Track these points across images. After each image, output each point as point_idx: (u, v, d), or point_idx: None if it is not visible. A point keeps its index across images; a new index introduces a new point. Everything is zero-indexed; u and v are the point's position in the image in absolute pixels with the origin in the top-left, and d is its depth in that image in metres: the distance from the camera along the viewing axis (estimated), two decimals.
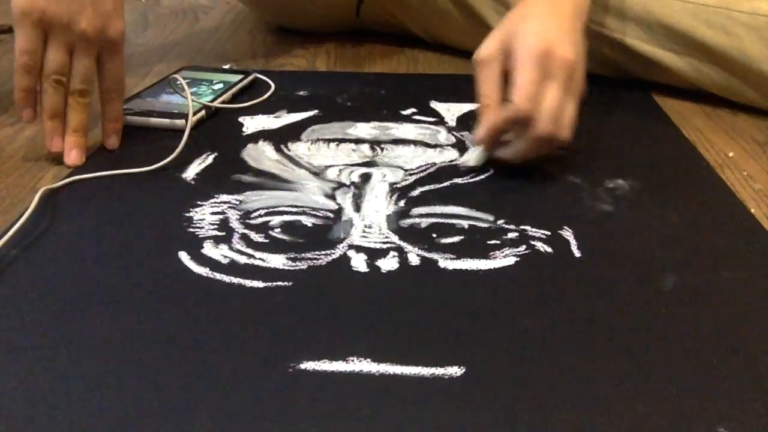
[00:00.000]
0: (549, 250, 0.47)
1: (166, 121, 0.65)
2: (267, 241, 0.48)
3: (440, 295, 0.43)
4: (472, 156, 0.58)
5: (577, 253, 0.47)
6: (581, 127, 0.66)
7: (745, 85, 0.70)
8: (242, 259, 0.46)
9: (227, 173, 0.57)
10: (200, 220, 0.50)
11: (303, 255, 0.46)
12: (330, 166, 0.58)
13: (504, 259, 0.46)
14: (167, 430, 0.33)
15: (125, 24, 0.60)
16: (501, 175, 0.58)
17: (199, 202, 0.53)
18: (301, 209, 0.52)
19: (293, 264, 0.45)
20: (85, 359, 0.37)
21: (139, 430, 0.33)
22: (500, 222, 0.50)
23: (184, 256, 0.46)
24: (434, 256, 0.46)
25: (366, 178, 0.56)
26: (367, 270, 0.45)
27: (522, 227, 0.50)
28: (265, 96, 0.73)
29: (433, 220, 0.50)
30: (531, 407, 0.34)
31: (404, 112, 0.70)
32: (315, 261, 0.46)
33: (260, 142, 0.63)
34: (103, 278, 0.44)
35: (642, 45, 0.73)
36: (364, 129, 0.66)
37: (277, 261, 0.46)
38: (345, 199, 0.53)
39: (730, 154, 0.62)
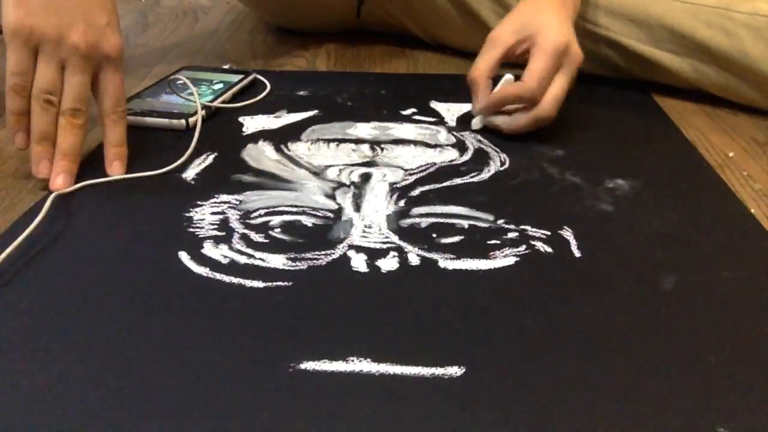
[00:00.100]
0: (549, 250, 0.47)
1: (165, 121, 0.65)
2: (267, 241, 0.48)
3: (440, 295, 0.43)
4: (474, 121, 0.66)
5: (577, 253, 0.47)
6: (581, 127, 0.66)
7: (745, 86, 0.70)
8: (242, 259, 0.46)
9: (227, 173, 0.57)
10: (200, 220, 0.50)
11: (303, 255, 0.46)
12: (330, 166, 0.58)
13: (504, 259, 0.46)
14: (167, 430, 0.33)
15: (122, 38, 0.57)
16: (501, 175, 0.58)
17: (199, 202, 0.53)
18: (301, 209, 0.52)
19: (293, 264, 0.45)
20: (85, 359, 0.37)
21: (139, 430, 0.33)
22: (500, 222, 0.50)
23: (184, 256, 0.46)
24: (434, 256, 0.46)
25: (366, 178, 0.56)
26: (367, 270, 0.45)
27: (522, 227, 0.50)
28: (261, 96, 0.73)
29: (433, 220, 0.50)
30: (531, 407, 0.34)
31: (404, 112, 0.70)
32: (315, 261, 0.46)
33: (260, 142, 0.63)
34: (103, 278, 0.44)
35: (642, 46, 0.73)
36: (364, 129, 0.66)
37: (277, 261, 0.46)
38: (345, 199, 0.53)
39: (730, 154, 0.62)
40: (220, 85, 0.73)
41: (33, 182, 0.56)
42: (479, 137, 0.64)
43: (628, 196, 0.55)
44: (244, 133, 0.65)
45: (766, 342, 0.39)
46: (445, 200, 0.53)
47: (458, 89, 0.77)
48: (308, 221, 0.50)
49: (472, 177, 0.57)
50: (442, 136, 0.65)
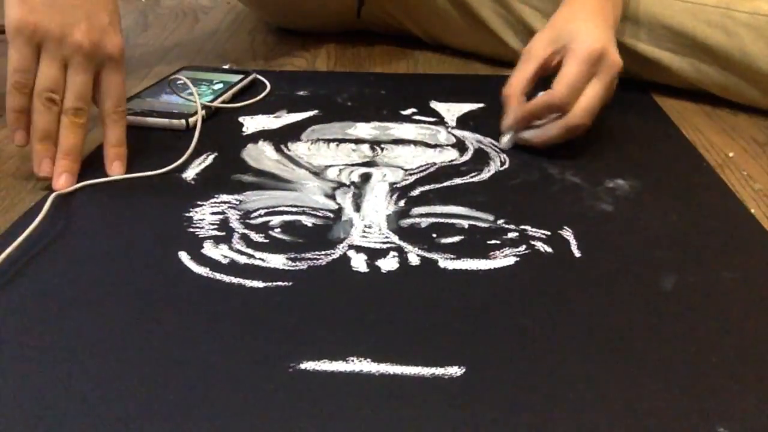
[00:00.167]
0: (549, 250, 0.47)
1: (165, 121, 0.65)
2: (267, 241, 0.48)
3: (440, 295, 0.43)
4: (504, 140, 0.62)
5: (577, 253, 0.47)
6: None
7: (746, 85, 0.70)
8: (242, 259, 0.46)
9: (227, 173, 0.57)
10: (200, 220, 0.50)
11: (303, 255, 0.46)
12: (330, 166, 0.58)
13: (504, 259, 0.46)
14: (167, 430, 0.33)
15: (124, 38, 0.57)
16: (501, 175, 0.58)
17: (199, 202, 0.53)
18: (301, 209, 0.52)
19: (293, 264, 0.45)
20: (85, 359, 0.37)
21: (139, 430, 0.33)
22: (500, 222, 0.50)
23: (184, 256, 0.46)
24: (434, 256, 0.46)
25: (366, 178, 0.56)
26: (367, 270, 0.45)
27: (522, 227, 0.50)
28: (261, 96, 0.73)
29: (433, 220, 0.50)
30: (531, 407, 0.34)
31: (404, 112, 0.70)
32: (315, 261, 0.46)
33: (260, 142, 0.63)
34: (103, 278, 0.44)
35: (642, 45, 0.73)
36: (364, 129, 0.66)
37: (277, 261, 0.46)
38: (345, 199, 0.53)
39: (730, 154, 0.62)
40: (220, 85, 0.73)
41: (33, 182, 0.56)
42: (479, 137, 0.64)
43: (628, 196, 0.55)
44: (244, 133, 0.65)
45: (766, 342, 0.39)
46: (445, 200, 0.53)
47: (458, 89, 0.77)
48: (308, 221, 0.50)
49: (472, 177, 0.57)
50: (442, 136, 0.65)
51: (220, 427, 0.33)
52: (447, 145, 0.63)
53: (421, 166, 0.59)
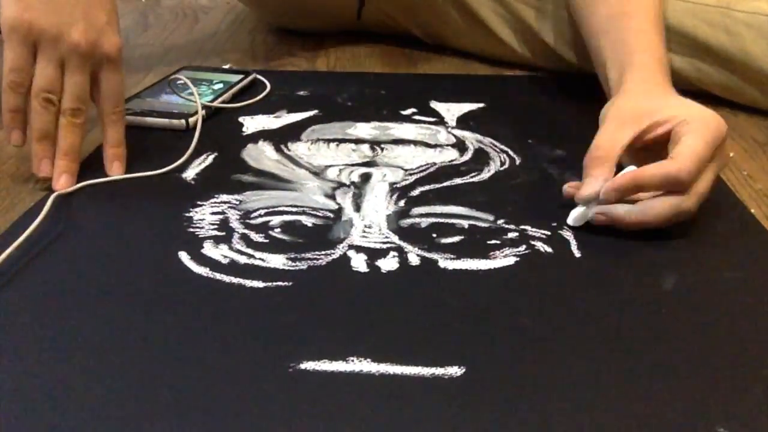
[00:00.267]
0: (549, 250, 0.47)
1: (165, 121, 0.65)
2: (267, 241, 0.48)
3: (440, 295, 0.43)
4: (577, 214, 0.50)
5: (577, 253, 0.47)
6: (581, 127, 0.66)
7: (746, 85, 0.70)
8: (242, 259, 0.46)
9: (227, 173, 0.57)
10: (200, 220, 0.50)
11: (303, 255, 0.46)
12: (330, 166, 0.58)
13: (504, 259, 0.46)
14: (167, 430, 0.33)
15: (121, 38, 0.56)
16: (501, 175, 0.58)
17: (199, 202, 0.53)
18: (301, 209, 0.52)
19: (293, 264, 0.45)
20: (86, 359, 0.37)
21: (139, 430, 0.33)
22: (500, 222, 0.50)
23: (184, 256, 0.46)
24: (434, 256, 0.46)
25: (366, 178, 0.56)
26: (367, 270, 0.45)
27: (522, 227, 0.50)
28: (261, 96, 0.73)
29: (433, 220, 0.50)
30: (531, 407, 0.34)
31: (404, 112, 0.70)
32: (315, 261, 0.46)
33: (260, 142, 0.63)
34: (104, 278, 0.44)
35: None
36: (364, 129, 0.66)
37: (277, 261, 0.46)
38: (345, 199, 0.53)
39: (731, 154, 0.62)
40: (220, 85, 0.73)
41: (33, 182, 0.56)
42: (479, 137, 0.64)
43: None
44: (244, 133, 0.65)
45: (766, 342, 0.39)
46: (445, 200, 0.53)
47: (458, 89, 0.77)
48: (308, 221, 0.50)
49: (472, 177, 0.57)
50: (442, 136, 0.65)
51: (220, 427, 0.33)
52: (447, 145, 0.63)
53: (421, 166, 0.59)
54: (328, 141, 0.63)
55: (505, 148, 0.62)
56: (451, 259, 0.46)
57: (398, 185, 0.55)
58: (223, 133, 0.65)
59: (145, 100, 0.69)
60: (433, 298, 0.42)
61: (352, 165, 0.59)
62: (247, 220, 0.50)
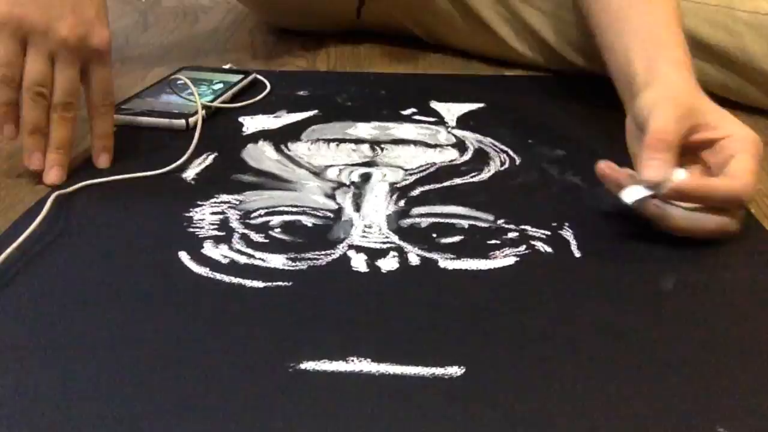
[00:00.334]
0: (549, 250, 0.47)
1: (165, 121, 0.65)
2: (267, 241, 0.48)
3: (440, 295, 0.43)
4: (639, 193, 0.47)
5: (577, 253, 0.47)
6: (581, 127, 0.66)
7: (747, 84, 0.70)
8: (242, 259, 0.46)
9: (227, 173, 0.57)
10: (200, 220, 0.50)
11: (303, 255, 0.46)
12: (330, 166, 0.58)
13: (504, 259, 0.46)
14: (167, 430, 0.33)
15: (110, 32, 0.56)
16: (501, 175, 0.58)
17: (199, 202, 0.53)
18: (301, 209, 0.52)
19: (293, 264, 0.45)
20: (85, 359, 0.37)
21: (139, 430, 0.33)
22: (500, 222, 0.50)
23: (184, 256, 0.46)
24: (434, 256, 0.46)
25: (366, 178, 0.56)
26: (367, 270, 0.45)
27: (522, 227, 0.50)
28: (261, 96, 0.73)
29: (433, 220, 0.50)
30: (531, 407, 0.34)
31: (404, 112, 0.70)
32: (315, 261, 0.46)
33: (260, 142, 0.63)
34: (103, 279, 0.44)
35: None
36: (364, 129, 0.66)
37: (277, 261, 0.46)
38: (345, 199, 0.53)
39: None
40: (220, 85, 0.73)
41: (33, 182, 0.56)
42: (479, 137, 0.64)
43: None
44: (244, 133, 0.65)
45: (766, 342, 0.39)
46: (445, 200, 0.53)
47: (458, 89, 0.77)
48: (308, 221, 0.50)
49: (472, 177, 0.57)
50: (442, 136, 0.65)
51: (220, 427, 0.33)
52: (447, 145, 0.63)
53: (421, 166, 0.59)
54: (328, 141, 0.63)
55: (505, 148, 0.62)
56: (451, 259, 0.46)
57: (398, 185, 0.55)
58: (223, 133, 0.65)
59: (145, 100, 0.69)
60: (433, 298, 0.42)
61: (352, 165, 0.59)
62: (247, 220, 0.50)
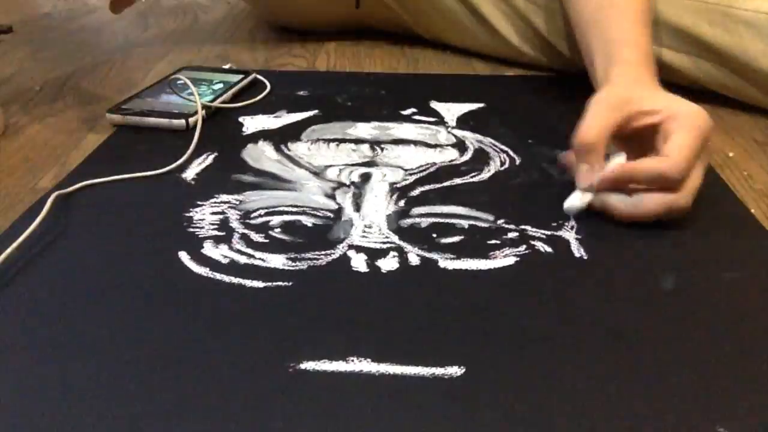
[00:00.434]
0: (549, 250, 0.47)
1: (165, 121, 0.65)
2: (267, 241, 0.48)
3: (440, 295, 0.43)
4: (575, 201, 0.50)
5: (577, 253, 0.47)
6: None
7: (746, 83, 0.70)
8: (242, 259, 0.46)
9: (227, 173, 0.57)
10: (200, 220, 0.50)
11: (303, 255, 0.46)
12: (330, 166, 0.58)
13: (504, 259, 0.46)
14: (167, 430, 0.33)
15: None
16: (501, 175, 0.58)
17: (199, 202, 0.53)
18: (301, 209, 0.52)
19: (293, 264, 0.45)
20: (85, 359, 0.37)
21: (139, 430, 0.33)
22: (500, 222, 0.50)
23: (184, 256, 0.46)
24: (434, 256, 0.46)
25: (366, 177, 0.56)
26: (367, 270, 0.45)
27: (522, 227, 0.50)
28: (260, 96, 0.73)
29: (433, 220, 0.50)
30: (531, 407, 0.34)
31: (404, 112, 0.70)
32: (315, 261, 0.46)
33: (260, 142, 0.63)
34: (103, 279, 0.44)
35: None
36: (364, 129, 0.66)
37: (277, 261, 0.46)
38: (345, 199, 0.53)
39: (730, 154, 0.62)
40: (220, 85, 0.73)
41: (33, 182, 0.56)
42: (479, 137, 0.64)
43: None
44: (244, 133, 0.65)
45: (766, 342, 0.39)
46: (445, 200, 0.53)
47: (458, 89, 0.77)
48: (308, 221, 0.50)
49: (472, 177, 0.57)
50: (442, 136, 0.65)
51: (220, 427, 0.33)
52: (447, 145, 0.63)
53: (421, 166, 0.59)
54: (328, 141, 0.63)
55: (505, 148, 0.62)
56: (451, 259, 0.46)
57: (398, 185, 0.55)
58: (223, 133, 0.65)
59: (145, 100, 0.69)
60: (433, 298, 0.42)
61: (352, 165, 0.59)
62: (247, 220, 0.50)
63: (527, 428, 0.33)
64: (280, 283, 0.43)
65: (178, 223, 0.50)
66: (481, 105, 0.72)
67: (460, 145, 0.63)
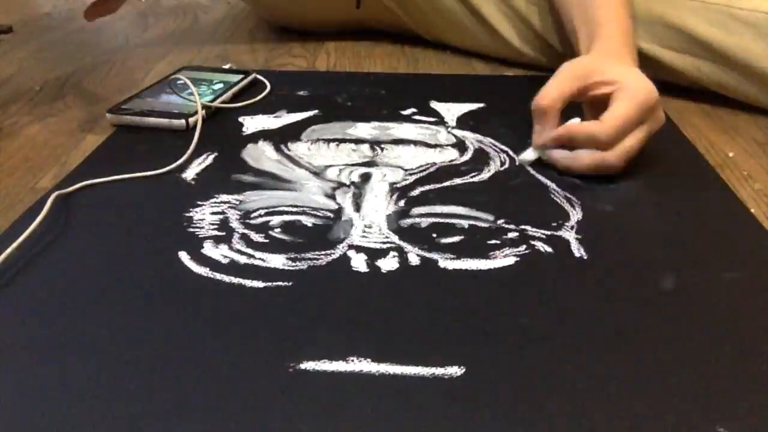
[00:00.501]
0: (549, 250, 0.47)
1: (165, 121, 0.65)
2: (267, 241, 0.48)
3: (440, 295, 0.43)
4: (528, 155, 0.59)
5: (577, 253, 0.47)
6: None
7: (746, 83, 0.70)
8: (242, 259, 0.46)
9: (227, 173, 0.57)
10: (200, 220, 0.50)
11: (303, 255, 0.46)
12: (330, 166, 0.58)
13: (504, 259, 0.46)
14: (167, 430, 0.33)
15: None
16: (501, 175, 0.58)
17: (199, 202, 0.53)
18: (301, 209, 0.52)
19: (293, 264, 0.45)
20: (85, 359, 0.37)
21: (139, 430, 0.33)
22: (500, 222, 0.50)
23: (184, 256, 0.46)
24: (434, 256, 0.46)
25: (366, 177, 0.56)
26: (367, 270, 0.45)
27: (522, 227, 0.50)
28: (260, 96, 0.73)
29: (433, 220, 0.50)
30: (531, 407, 0.34)
31: (404, 112, 0.70)
32: (315, 261, 0.46)
33: (260, 142, 0.63)
34: (103, 279, 0.44)
35: (642, 43, 0.72)
36: (364, 129, 0.66)
37: (277, 261, 0.46)
38: (345, 199, 0.53)
39: (730, 154, 0.62)
40: (220, 85, 0.73)
41: (33, 182, 0.56)
42: (479, 137, 0.64)
43: (628, 196, 0.54)
44: (244, 133, 0.65)
45: (766, 342, 0.39)
46: (445, 200, 0.53)
47: (458, 89, 0.77)
48: (308, 221, 0.50)
49: (472, 177, 0.57)
50: (442, 136, 0.65)
51: (220, 427, 0.33)
52: (447, 145, 0.63)
53: (421, 166, 0.59)
54: (328, 141, 0.63)
55: (505, 148, 0.62)
56: (451, 259, 0.46)
57: (398, 185, 0.55)
58: (223, 133, 0.65)
59: (145, 100, 0.69)
60: (433, 298, 0.42)
61: (352, 165, 0.59)
62: (247, 220, 0.50)
63: (527, 428, 0.33)
64: (280, 283, 0.43)
65: (178, 223, 0.50)
66: (481, 105, 0.72)
67: (460, 145, 0.63)
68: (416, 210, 0.52)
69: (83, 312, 0.41)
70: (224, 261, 0.46)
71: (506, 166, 0.59)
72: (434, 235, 0.49)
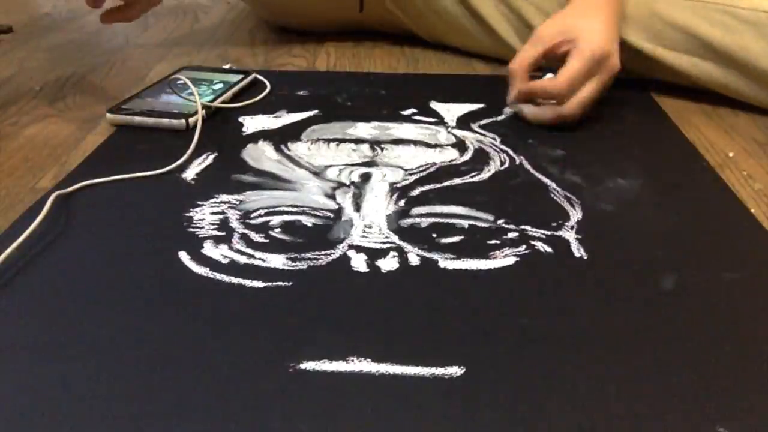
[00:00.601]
0: (549, 250, 0.47)
1: (165, 121, 0.65)
2: (267, 241, 0.48)
3: (440, 295, 0.43)
4: (507, 109, 0.69)
5: (577, 253, 0.47)
6: (581, 127, 0.66)
7: (746, 83, 0.70)
8: (242, 259, 0.46)
9: (227, 173, 0.57)
10: (200, 220, 0.50)
11: (303, 255, 0.46)
12: (330, 166, 0.58)
13: (504, 259, 0.46)
14: (167, 430, 0.33)
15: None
16: (501, 175, 0.58)
17: (199, 202, 0.53)
18: (301, 209, 0.52)
19: (293, 264, 0.45)
20: (85, 359, 0.37)
21: (139, 430, 0.33)
22: (500, 222, 0.50)
23: (184, 256, 0.46)
24: (434, 256, 0.46)
25: (366, 177, 0.56)
26: (367, 270, 0.45)
27: (522, 227, 0.50)
28: (260, 96, 0.73)
29: (433, 220, 0.50)
30: (531, 407, 0.34)
31: (404, 112, 0.70)
32: (315, 261, 0.46)
33: (260, 142, 0.63)
34: (103, 279, 0.44)
35: (642, 43, 0.73)
36: (364, 129, 0.66)
37: (277, 261, 0.46)
38: (345, 199, 0.53)
39: (730, 154, 0.62)
40: (220, 85, 0.73)
41: (33, 182, 0.56)
42: (479, 137, 0.64)
43: (628, 196, 0.55)
44: (244, 133, 0.65)
45: (766, 342, 0.39)
46: (445, 200, 0.53)
47: (458, 89, 0.77)
48: (308, 221, 0.50)
49: (472, 177, 0.57)
50: (442, 136, 0.65)
51: (220, 427, 0.33)
52: (447, 145, 0.63)
53: (421, 166, 0.59)
54: (328, 141, 0.63)
55: (505, 148, 0.62)
56: (451, 259, 0.46)
57: (398, 185, 0.55)
58: (223, 133, 0.65)
59: (145, 100, 0.69)
60: (433, 298, 0.42)
61: (352, 165, 0.59)
62: (247, 220, 0.50)
63: (527, 428, 0.33)
64: (280, 283, 0.43)
65: (178, 223, 0.50)
66: (481, 105, 0.72)
67: (460, 145, 0.63)
68: (416, 210, 0.52)
69: (83, 312, 0.41)
70: (224, 261, 0.46)
71: (506, 166, 0.59)
72: (434, 235, 0.49)
